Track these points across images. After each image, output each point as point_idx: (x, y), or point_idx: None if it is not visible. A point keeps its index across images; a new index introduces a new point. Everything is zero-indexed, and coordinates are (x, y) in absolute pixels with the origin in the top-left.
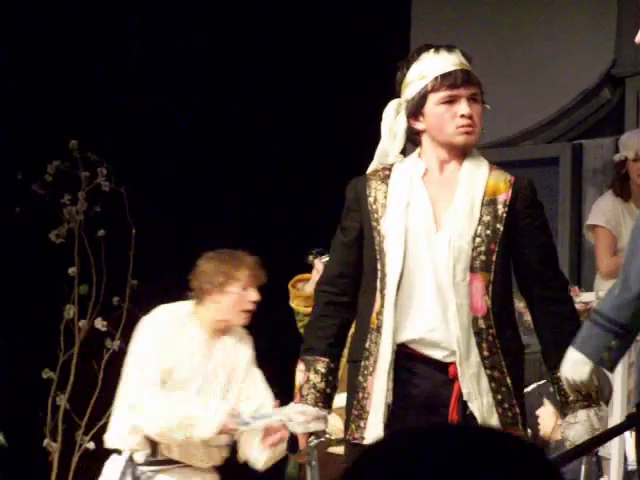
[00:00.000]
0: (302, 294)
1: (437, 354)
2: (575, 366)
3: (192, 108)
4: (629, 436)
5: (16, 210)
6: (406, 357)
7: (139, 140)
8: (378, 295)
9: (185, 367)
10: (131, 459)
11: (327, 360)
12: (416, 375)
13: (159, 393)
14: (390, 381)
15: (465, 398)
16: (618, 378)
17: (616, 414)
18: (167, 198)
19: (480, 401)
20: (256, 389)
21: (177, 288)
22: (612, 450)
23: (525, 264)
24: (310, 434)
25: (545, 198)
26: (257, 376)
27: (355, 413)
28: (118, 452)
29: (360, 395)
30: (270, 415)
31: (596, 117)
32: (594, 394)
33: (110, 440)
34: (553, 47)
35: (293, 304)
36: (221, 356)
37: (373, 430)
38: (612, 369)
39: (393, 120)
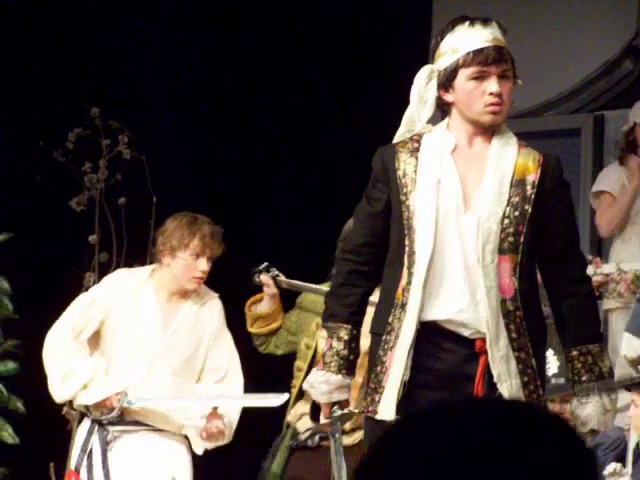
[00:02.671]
0: (259, 314)
1: (464, 332)
2: (628, 344)
3: (215, 77)
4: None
5: (37, 177)
6: (432, 331)
7: (161, 108)
8: (405, 271)
9: (138, 329)
10: (95, 420)
11: (350, 327)
12: (442, 349)
13: (69, 341)
14: (409, 359)
15: (495, 380)
16: None
17: None
18: (188, 166)
19: (510, 383)
20: (220, 359)
21: None
22: None
23: (546, 243)
24: (333, 404)
25: (567, 168)
26: (225, 344)
27: (372, 386)
28: (87, 415)
29: (378, 369)
30: (157, 398)
31: (618, 88)
32: (607, 375)
33: (57, 395)
34: (575, 18)
35: (252, 329)
36: (184, 326)
37: (386, 406)
38: None
39: (424, 87)
